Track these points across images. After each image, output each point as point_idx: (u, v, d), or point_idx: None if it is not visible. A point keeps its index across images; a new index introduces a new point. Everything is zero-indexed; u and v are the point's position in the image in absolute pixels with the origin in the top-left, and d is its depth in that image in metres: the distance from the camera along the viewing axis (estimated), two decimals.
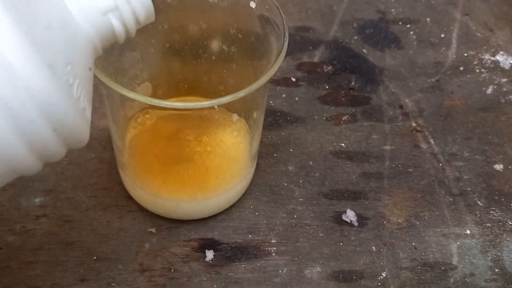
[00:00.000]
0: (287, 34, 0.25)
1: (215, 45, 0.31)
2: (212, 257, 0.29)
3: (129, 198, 0.31)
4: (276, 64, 0.24)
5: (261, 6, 0.27)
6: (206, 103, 0.22)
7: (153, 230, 0.30)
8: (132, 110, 0.29)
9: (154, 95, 0.32)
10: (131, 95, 0.22)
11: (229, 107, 0.28)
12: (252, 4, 0.27)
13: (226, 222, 0.30)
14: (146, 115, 0.29)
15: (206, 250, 0.29)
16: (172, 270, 0.28)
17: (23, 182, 0.31)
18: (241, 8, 0.28)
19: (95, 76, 0.22)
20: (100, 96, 0.35)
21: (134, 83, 0.30)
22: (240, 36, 0.29)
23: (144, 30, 0.29)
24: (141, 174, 0.29)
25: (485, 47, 0.41)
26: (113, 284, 0.28)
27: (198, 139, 0.29)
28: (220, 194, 0.29)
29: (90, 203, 0.30)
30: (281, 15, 0.26)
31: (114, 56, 0.28)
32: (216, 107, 0.23)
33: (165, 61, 0.31)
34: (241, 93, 0.23)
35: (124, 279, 0.28)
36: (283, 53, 0.24)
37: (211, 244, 0.29)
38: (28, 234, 0.29)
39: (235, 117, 0.26)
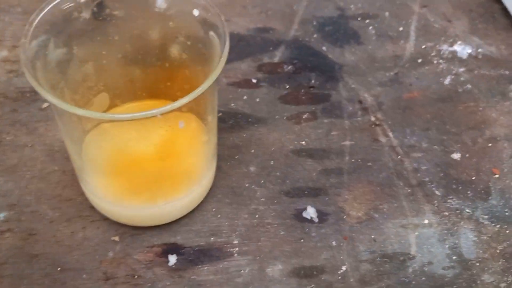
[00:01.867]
0: (227, 41, 0.25)
1: (166, 52, 0.31)
2: (175, 261, 0.30)
3: (92, 208, 0.31)
4: (215, 72, 0.24)
5: (203, 13, 0.27)
6: (148, 112, 0.23)
7: (117, 238, 0.30)
8: (80, 122, 0.29)
9: (112, 105, 0.33)
10: (74, 110, 0.23)
11: (180, 112, 0.28)
12: (195, 12, 0.27)
13: (188, 226, 0.31)
14: (100, 127, 0.29)
15: (169, 255, 0.30)
16: (136, 276, 0.29)
17: None
18: (186, 16, 0.28)
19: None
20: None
21: (90, 94, 0.31)
22: (188, 43, 0.30)
23: (94, 42, 0.30)
24: (99, 184, 0.29)
25: (443, 38, 0.42)
26: None
27: (153, 145, 0.30)
28: (179, 198, 0.30)
29: (54, 215, 0.31)
30: (221, 20, 0.26)
31: (63, 70, 0.28)
32: (159, 115, 0.23)
33: (120, 71, 0.32)
34: (183, 101, 0.24)
35: None
36: (223, 60, 0.25)
37: (174, 248, 0.30)
38: None
39: (181, 124, 0.27)
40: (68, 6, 0.27)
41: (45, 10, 0.26)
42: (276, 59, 0.40)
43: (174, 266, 0.29)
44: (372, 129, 0.36)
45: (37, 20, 0.26)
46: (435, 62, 0.41)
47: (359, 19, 0.44)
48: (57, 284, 0.28)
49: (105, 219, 0.31)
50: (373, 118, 0.37)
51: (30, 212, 0.31)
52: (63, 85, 0.28)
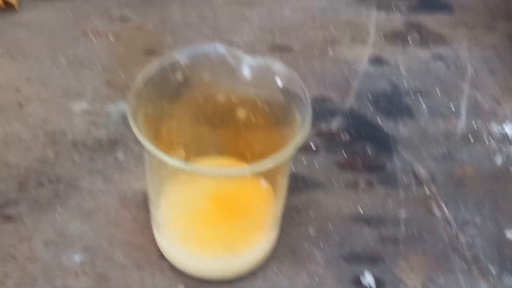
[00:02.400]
0: (310, 110, 0.28)
1: (243, 115, 0.34)
2: None
3: (162, 256, 0.33)
4: (301, 135, 0.27)
5: (286, 82, 0.30)
6: (239, 170, 0.25)
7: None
8: (168, 172, 0.32)
9: (186, 158, 0.35)
10: (173, 161, 0.25)
11: (256, 174, 0.30)
12: (278, 81, 0.30)
13: (251, 282, 0.32)
14: (181, 177, 0.31)
15: None
16: None
17: (65, 240, 0.33)
18: (268, 83, 0.31)
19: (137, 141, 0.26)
20: (135, 159, 0.38)
21: (169, 147, 0.33)
22: (266, 108, 0.32)
23: (181, 101, 0.32)
24: (174, 232, 0.31)
25: (493, 119, 0.44)
26: None
27: (227, 200, 0.32)
28: (246, 254, 0.31)
29: (126, 261, 0.32)
30: (304, 91, 0.29)
31: (152, 123, 0.31)
32: (249, 174, 0.25)
33: (198, 128, 0.34)
34: (270, 163, 0.26)
35: None
36: (308, 126, 0.27)
37: None
38: None
39: (263, 183, 0.29)
40: (166, 69, 0.30)
41: (147, 70, 0.29)
42: (333, 127, 0.43)
43: None
44: (426, 201, 0.38)
45: (140, 78, 0.29)
46: (486, 140, 0.42)
47: (411, 94, 0.46)
48: None
49: (173, 269, 0.32)
50: (427, 191, 0.38)
51: (103, 256, 0.33)
52: (150, 136, 0.30)
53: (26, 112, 0.41)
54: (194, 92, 0.32)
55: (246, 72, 0.31)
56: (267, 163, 0.25)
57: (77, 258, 0.32)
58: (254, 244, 0.31)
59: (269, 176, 0.31)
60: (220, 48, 0.30)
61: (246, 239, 0.31)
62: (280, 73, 0.30)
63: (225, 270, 0.31)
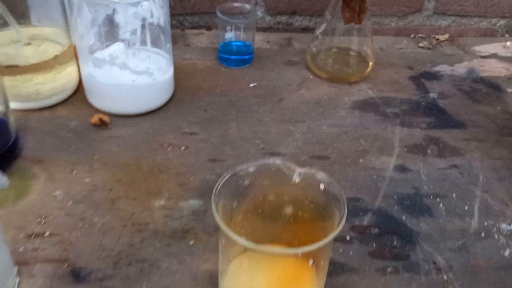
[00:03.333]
0: (345, 209, 0.37)
1: (292, 211, 0.43)
2: None
3: None
4: (338, 227, 0.36)
5: (328, 187, 0.40)
6: (292, 250, 0.34)
7: None
8: (234, 253, 0.41)
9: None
10: (251, 245, 0.34)
11: (306, 255, 0.39)
12: (322, 186, 0.40)
13: None
14: (243, 257, 0.40)
15: None
16: None
17: None
18: (314, 188, 0.40)
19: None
20: (203, 245, 0.47)
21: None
22: (311, 206, 0.41)
23: (246, 200, 0.42)
24: None
25: (501, 218, 0.52)
26: None
27: (276, 277, 0.40)
28: None
29: None
30: (341, 194, 0.38)
31: (227, 217, 0.40)
32: (299, 254, 0.34)
33: (256, 221, 0.44)
34: (315, 246, 0.34)
35: None
36: (343, 220, 0.36)
37: None
38: None
39: (311, 261, 0.37)
40: (237, 176, 0.41)
41: (225, 176, 0.40)
42: (365, 223, 0.51)
43: None
44: (445, 286, 0.45)
45: (220, 182, 0.39)
46: (495, 237, 0.50)
47: (431, 197, 0.55)
48: None
49: None
50: (445, 277, 0.46)
51: None
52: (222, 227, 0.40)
53: (117, 207, 0.51)
54: (255, 193, 0.42)
55: (296, 178, 0.41)
56: (314, 246, 0.34)
57: None
58: None
59: (315, 257, 0.40)
60: (277, 160, 0.40)
61: None
62: (323, 180, 0.40)
63: None
